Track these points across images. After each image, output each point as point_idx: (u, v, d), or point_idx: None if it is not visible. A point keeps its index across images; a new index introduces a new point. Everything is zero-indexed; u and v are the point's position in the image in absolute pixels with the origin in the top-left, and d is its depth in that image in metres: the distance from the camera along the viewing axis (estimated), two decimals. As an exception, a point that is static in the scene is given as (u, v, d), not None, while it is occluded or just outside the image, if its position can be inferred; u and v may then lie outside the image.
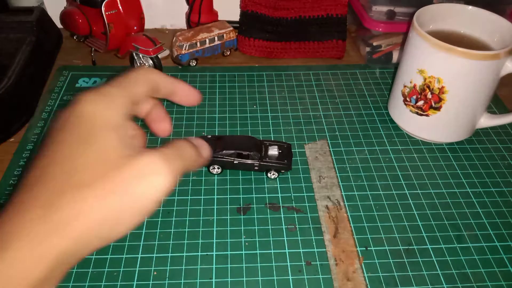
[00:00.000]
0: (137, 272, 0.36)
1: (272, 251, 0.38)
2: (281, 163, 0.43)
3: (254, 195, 0.42)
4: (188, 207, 0.41)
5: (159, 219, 0.40)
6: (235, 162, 0.41)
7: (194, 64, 0.59)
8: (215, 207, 0.41)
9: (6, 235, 0.22)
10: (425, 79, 0.44)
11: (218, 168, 0.43)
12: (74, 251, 0.23)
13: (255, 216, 0.40)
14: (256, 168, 0.43)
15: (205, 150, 0.32)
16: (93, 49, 0.59)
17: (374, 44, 0.60)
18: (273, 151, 0.43)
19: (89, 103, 0.26)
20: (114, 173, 0.24)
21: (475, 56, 0.41)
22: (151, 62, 0.54)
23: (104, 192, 0.24)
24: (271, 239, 0.38)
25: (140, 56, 0.55)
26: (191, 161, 0.28)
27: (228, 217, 0.40)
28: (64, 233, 0.22)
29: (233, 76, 0.58)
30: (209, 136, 0.42)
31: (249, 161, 0.42)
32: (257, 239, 0.38)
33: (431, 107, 0.46)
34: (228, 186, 0.43)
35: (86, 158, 0.24)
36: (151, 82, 0.30)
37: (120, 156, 0.25)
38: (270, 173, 0.44)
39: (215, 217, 0.40)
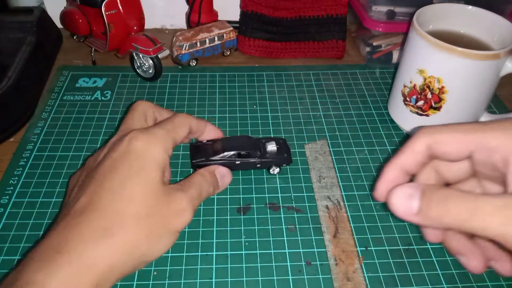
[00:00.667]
0: (137, 272, 0.36)
1: (272, 251, 0.38)
2: (282, 157, 0.43)
3: (254, 195, 0.42)
4: (188, 207, 0.41)
5: (159, 219, 0.40)
6: (237, 162, 0.41)
7: (194, 64, 0.59)
8: (215, 207, 0.41)
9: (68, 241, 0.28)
10: (425, 79, 0.44)
11: None
12: (121, 265, 0.28)
13: (255, 216, 0.40)
14: (258, 166, 0.43)
15: (227, 180, 0.39)
16: (93, 49, 0.59)
17: (374, 44, 0.60)
18: (271, 146, 0.43)
19: (142, 141, 0.32)
20: (157, 208, 0.30)
21: (475, 56, 0.41)
22: (151, 62, 0.54)
23: (150, 223, 0.30)
24: (271, 239, 0.38)
25: (140, 56, 0.55)
26: (207, 196, 0.36)
27: (228, 217, 0.40)
28: (115, 247, 0.28)
29: (233, 76, 0.58)
30: (205, 141, 0.42)
31: (251, 160, 0.42)
32: (257, 239, 0.38)
33: (431, 107, 0.46)
34: (228, 186, 0.43)
35: (136, 189, 0.30)
36: (190, 126, 0.37)
37: (162, 193, 0.31)
38: (271, 169, 0.44)
39: (215, 217, 0.40)
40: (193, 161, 0.41)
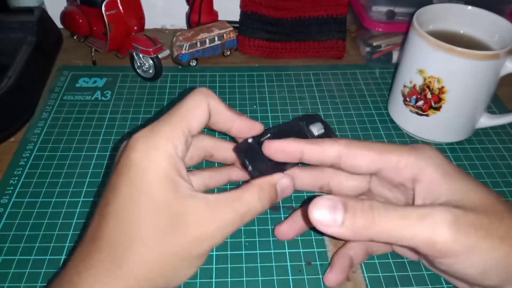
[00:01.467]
0: (137, 272, 0.36)
1: (272, 251, 0.38)
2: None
3: (254, 195, 0.42)
4: (188, 207, 0.41)
5: (159, 219, 0.40)
6: None
7: (194, 64, 0.59)
8: (215, 207, 0.41)
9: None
10: (425, 79, 0.44)
11: None
12: None
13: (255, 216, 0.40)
14: None
15: (287, 193, 0.31)
16: (93, 49, 0.59)
17: (374, 44, 0.60)
18: (318, 130, 0.34)
19: (139, 151, 0.26)
20: (168, 232, 0.24)
21: (475, 56, 0.41)
22: (151, 62, 0.55)
23: (160, 251, 0.24)
24: (271, 239, 0.38)
25: (141, 56, 0.55)
26: (257, 214, 0.28)
27: (228, 217, 0.40)
28: (123, 281, 0.24)
29: (233, 76, 0.58)
30: (249, 139, 0.32)
31: None
32: (257, 239, 0.38)
33: (431, 107, 0.46)
34: (228, 186, 0.43)
35: (141, 212, 0.25)
36: (208, 107, 0.28)
37: (175, 212, 0.25)
38: None
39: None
40: (254, 172, 0.30)
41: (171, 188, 0.25)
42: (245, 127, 0.31)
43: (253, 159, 0.30)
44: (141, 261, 0.24)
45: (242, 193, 0.27)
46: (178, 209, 0.25)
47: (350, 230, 0.24)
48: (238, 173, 0.37)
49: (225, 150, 0.34)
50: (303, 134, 0.33)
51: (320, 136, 0.33)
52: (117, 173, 0.26)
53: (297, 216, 0.36)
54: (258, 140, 0.31)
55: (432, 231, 0.24)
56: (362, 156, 0.29)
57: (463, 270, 0.25)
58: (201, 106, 0.28)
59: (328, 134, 0.34)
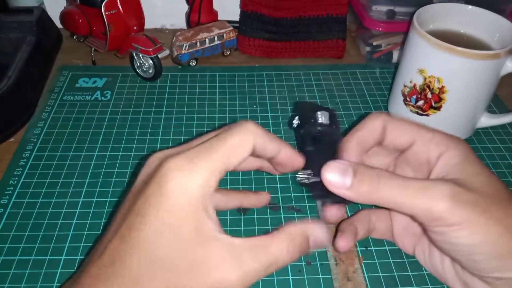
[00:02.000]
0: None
1: (272, 251, 0.37)
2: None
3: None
4: (188, 207, 0.41)
5: (159, 219, 0.40)
6: None
7: (194, 64, 0.59)
8: (215, 207, 0.41)
9: None
10: (425, 79, 0.44)
11: None
12: None
13: (255, 216, 0.40)
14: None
15: (319, 244, 0.27)
16: (93, 49, 0.59)
17: (374, 44, 0.60)
18: (322, 117, 0.31)
19: (174, 183, 0.24)
20: (191, 282, 0.23)
21: (475, 55, 0.41)
22: (151, 62, 0.54)
23: None
24: (271, 239, 0.38)
25: (140, 56, 0.55)
26: (283, 266, 0.26)
27: (228, 217, 0.40)
28: None
29: (233, 76, 0.58)
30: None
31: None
32: (257, 239, 0.38)
33: (431, 107, 0.46)
34: (228, 187, 0.43)
35: (167, 252, 0.24)
36: (253, 147, 0.27)
37: (201, 256, 0.24)
38: None
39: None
40: (299, 177, 0.30)
41: (200, 229, 0.24)
42: (288, 160, 0.30)
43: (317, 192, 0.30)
44: None
45: (271, 241, 0.25)
46: (202, 252, 0.24)
47: (356, 194, 0.27)
48: (250, 202, 0.39)
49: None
50: (330, 138, 0.31)
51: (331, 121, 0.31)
52: (146, 198, 0.25)
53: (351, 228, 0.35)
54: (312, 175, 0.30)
55: (430, 202, 0.26)
56: (404, 127, 0.31)
57: (455, 240, 0.27)
58: (246, 147, 0.26)
59: (333, 118, 0.32)
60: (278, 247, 0.25)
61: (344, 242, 0.34)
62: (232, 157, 0.26)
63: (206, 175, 0.25)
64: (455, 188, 0.26)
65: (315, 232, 0.27)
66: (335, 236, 0.35)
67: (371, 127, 0.31)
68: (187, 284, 0.24)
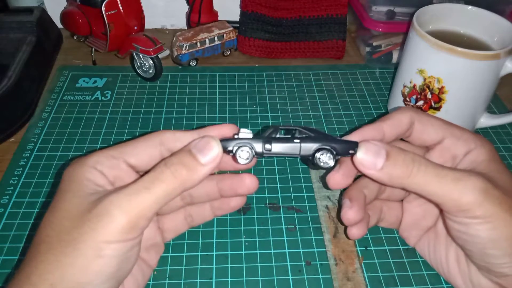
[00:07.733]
0: (137, 272, 0.36)
1: (272, 251, 0.38)
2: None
3: (254, 195, 0.42)
4: (188, 207, 0.41)
5: (159, 219, 0.40)
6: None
7: (194, 64, 0.59)
8: (215, 207, 0.41)
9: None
10: (425, 79, 0.44)
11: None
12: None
13: (255, 216, 0.40)
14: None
15: (212, 157, 0.26)
16: (93, 49, 0.59)
17: (374, 44, 0.60)
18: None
19: (71, 166, 0.28)
20: (81, 221, 0.25)
21: (475, 56, 0.41)
22: (151, 62, 0.55)
23: (70, 240, 0.25)
24: (271, 239, 0.38)
25: (141, 56, 0.55)
26: (176, 192, 0.26)
27: (228, 217, 0.40)
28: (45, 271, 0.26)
29: (233, 76, 0.58)
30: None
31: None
32: (257, 239, 0.38)
33: (431, 107, 0.46)
34: (228, 186, 0.43)
35: (62, 211, 0.27)
36: (161, 141, 0.28)
37: (87, 205, 0.25)
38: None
39: (215, 217, 0.40)
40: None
41: (88, 188, 0.27)
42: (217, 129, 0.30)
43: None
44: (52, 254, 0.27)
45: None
46: (93, 202, 0.26)
47: (387, 176, 0.27)
48: (222, 211, 0.36)
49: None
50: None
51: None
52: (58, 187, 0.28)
53: (349, 165, 0.32)
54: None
55: (462, 194, 0.26)
56: (434, 123, 0.31)
57: (476, 232, 0.27)
58: (153, 141, 0.29)
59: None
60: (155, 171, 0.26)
61: (353, 213, 0.31)
62: (126, 149, 0.28)
63: (93, 157, 0.28)
64: (486, 183, 0.26)
65: (194, 143, 0.26)
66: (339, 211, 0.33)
67: (398, 120, 0.31)
68: (80, 229, 0.25)
